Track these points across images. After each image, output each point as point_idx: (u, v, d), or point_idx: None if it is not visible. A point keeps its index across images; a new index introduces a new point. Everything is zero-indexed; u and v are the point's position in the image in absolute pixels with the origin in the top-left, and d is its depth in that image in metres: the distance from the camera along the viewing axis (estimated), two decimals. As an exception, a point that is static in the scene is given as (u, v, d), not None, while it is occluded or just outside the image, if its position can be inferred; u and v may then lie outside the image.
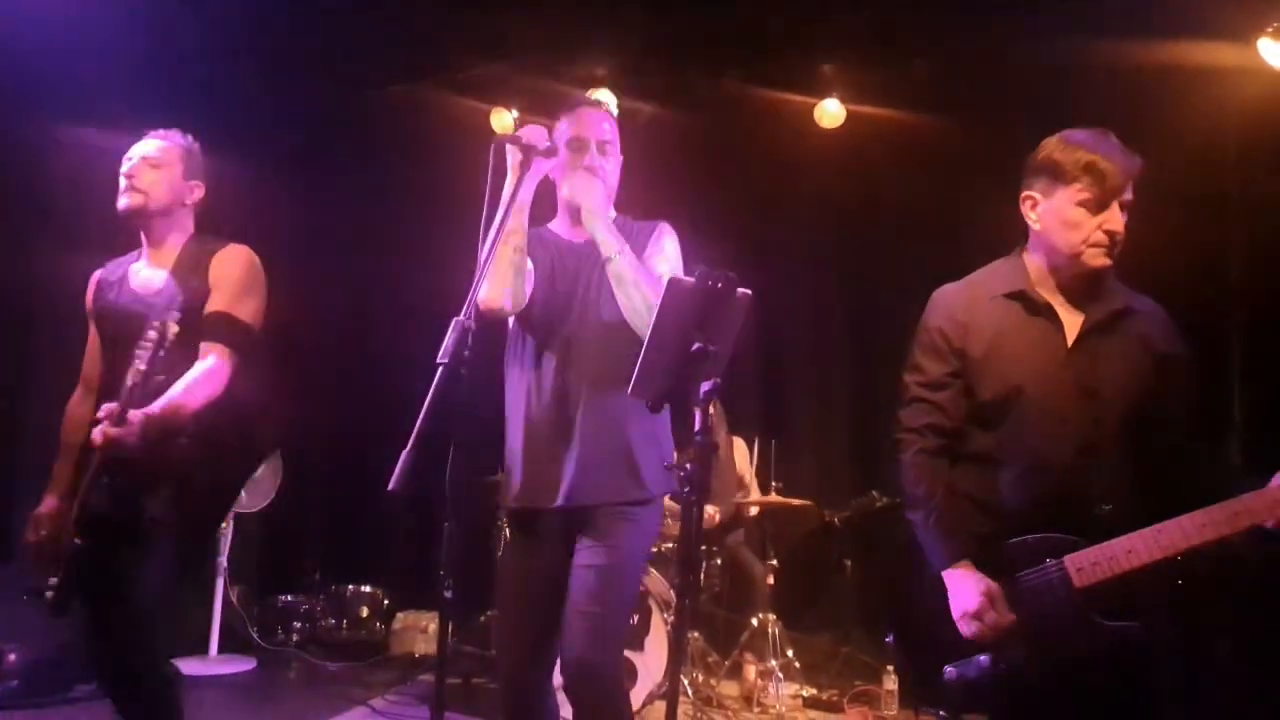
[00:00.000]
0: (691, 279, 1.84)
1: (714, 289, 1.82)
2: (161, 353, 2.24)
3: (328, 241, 5.72)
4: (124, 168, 2.58)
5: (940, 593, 2.01)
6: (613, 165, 2.36)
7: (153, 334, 2.22)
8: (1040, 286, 2.10)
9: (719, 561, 4.59)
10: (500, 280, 2.23)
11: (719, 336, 1.82)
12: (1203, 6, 3.94)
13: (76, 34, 3.83)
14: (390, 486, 1.75)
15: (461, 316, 1.96)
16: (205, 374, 2.41)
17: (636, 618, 3.74)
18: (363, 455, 5.72)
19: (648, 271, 2.21)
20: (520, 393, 2.32)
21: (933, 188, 5.07)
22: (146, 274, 2.57)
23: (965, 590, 1.97)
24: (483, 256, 2.09)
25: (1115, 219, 2.01)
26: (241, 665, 4.79)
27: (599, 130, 2.35)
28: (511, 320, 2.38)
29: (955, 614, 1.97)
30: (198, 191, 2.66)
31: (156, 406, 2.29)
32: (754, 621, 4.42)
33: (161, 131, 2.67)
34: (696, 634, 4.25)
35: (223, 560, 4.89)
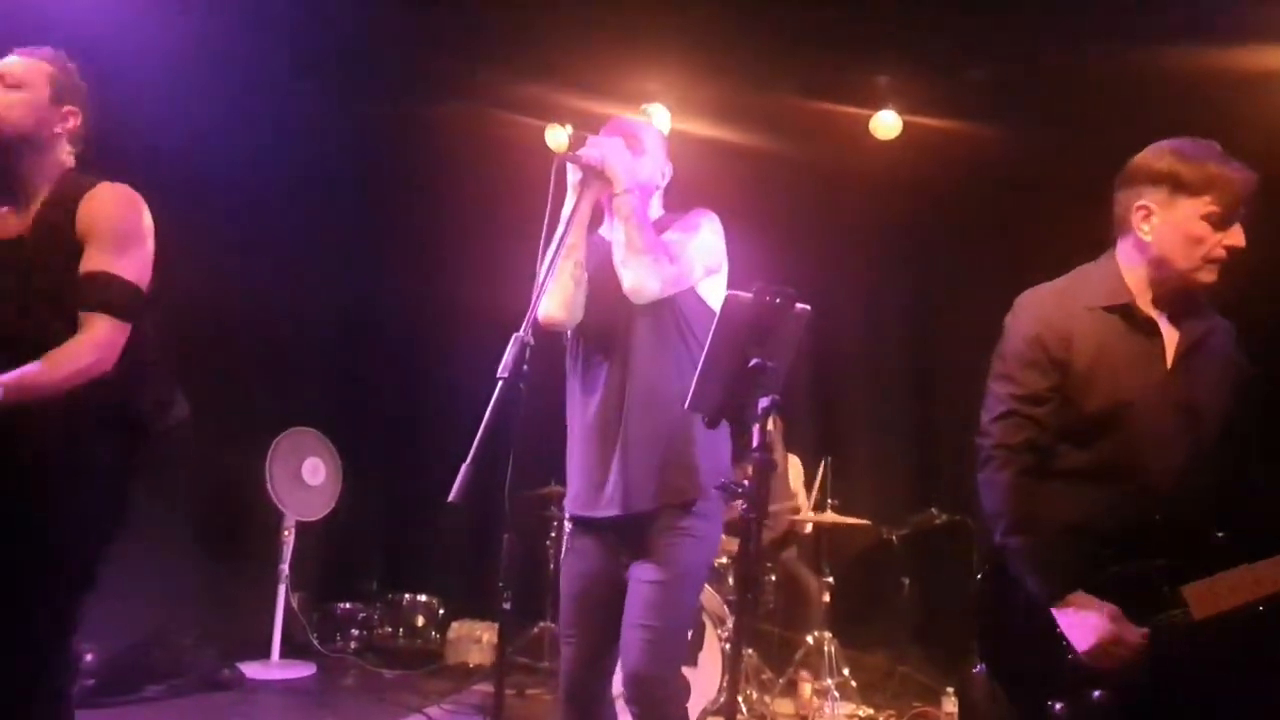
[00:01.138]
0: (749, 294, 1.84)
1: (771, 304, 1.82)
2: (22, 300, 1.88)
3: (389, 258, 5.82)
4: None
5: (1037, 621, 1.90)
6: (643, 159, 2.38)
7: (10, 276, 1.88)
8: (1140, 299, 2.00)
9: (774, 578, 4.56)
10: (559, 295, 2.27)
11: (777, 352, 1.81)
12: (1271, 12, 3.84)
13: (132, 50, 3.91)
14: (451, 498, 1.78)
15: (521, 332, 1.99)
16: (86, 346, 2.00)
17: (690, 633, 3.72)
18: (419, 465, 5.81)
19: (649, 225, 2.23)
20: (576, 401, 2.36)
21: (993, 199, 5.00)
22: (8, 218, 2.14)
23: (1091, 621, 1.84)
24: (543, 272, 2.13)
25: (1238, 235, 1.92)
26: (302, 670, 4.87)
27: (626, 129, 2.41)
28: (569, 332, 2.41)
29: (1083, 647, 1.84)
30: (72, 119, 2.18)
31: (13, 375, 1.89)
32: (809, 639, 4.38)
33: (28, 49, 2.19)
34: (751, 651, 4.22)
35: (284, 567, 4.99)
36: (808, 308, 1.86)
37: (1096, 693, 1.85)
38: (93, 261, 2.03)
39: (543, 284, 2.11)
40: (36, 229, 2.09)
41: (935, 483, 4.98)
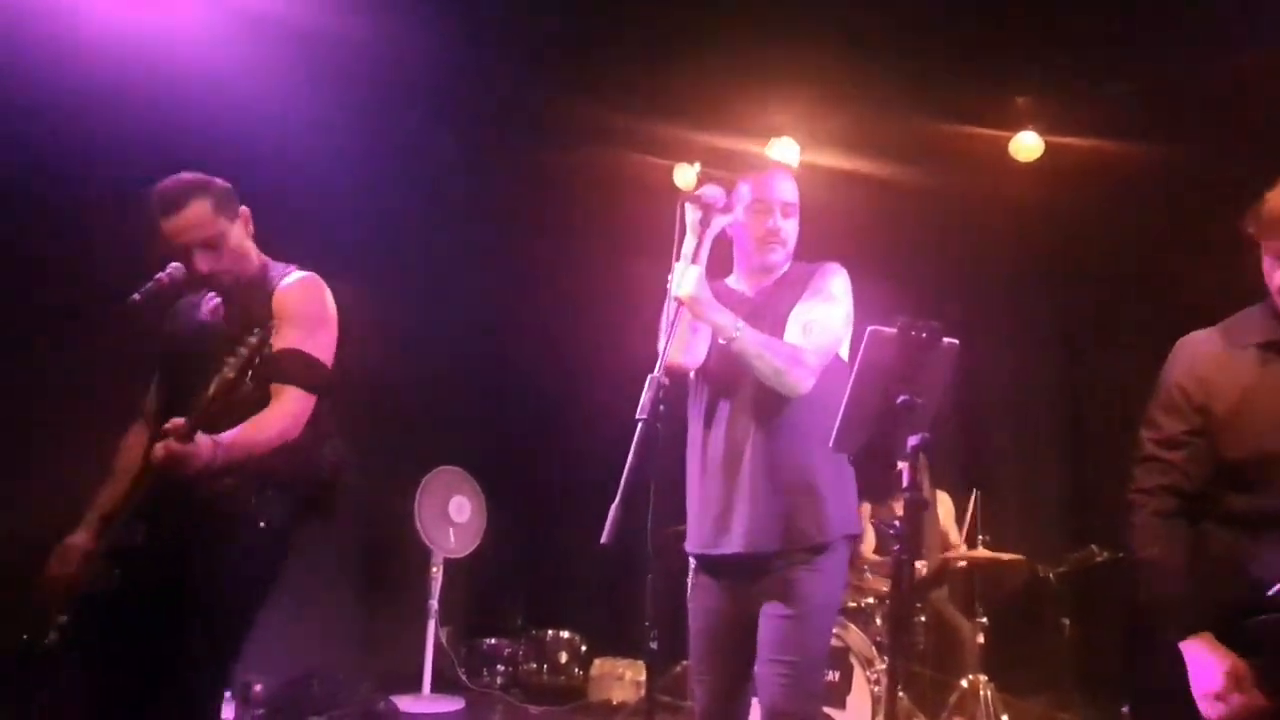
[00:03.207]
0: (892, 330, 1.80)
1: (917, 339, 1.77)
2: (246, 376, 2.04)
3: (525, 301, 6.00)
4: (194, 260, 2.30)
5: (1176, 666, 1.83)
6: (793, 227, 2.40)
7: (243, 350, 2.05)
8: None
9: (923, 618, 4.40)
10: (679, 338, 2.27)
11: (925, 388, 1.76)
12: None
13: (281, 107, 4.17)
14: (603, 540, 1.82)
15: (656, 373, 2.02)
16: (279, 414, 2.20)
17: (838, 675, 3.63)
18: (558, 503, 5.92)
19: (770, 341, 2.22)
20: (696, 443, 2.38)
21: (1145, 222, 4.74)
22: (214, 303, 2.39)
23: (1206, 667, 1.78)
24: (669, 315, 2.16)
25: None
26: (451, 705, 4.99)
27: (782, 192, 2.38)
28: (691, 373, 2.43)
29: (1196, 692, 1.78)
30: (239, 225, 2.33)
31: (227, 436, 2.08)
32: (963, 682, 4.20)
33: (172, 192, 2.27)
34: (902, 694, 4.07)
35: (434, 603, 5.14)
36: (955, 341, 1.81)
37: None
38: (285, 340, 2.22)
39: (673, 325, 2.14)
40: (238, 312, 2.30)
41: (1095, 519, 4.71)
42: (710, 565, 2.34)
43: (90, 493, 2.35)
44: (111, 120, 3.71)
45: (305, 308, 2.30)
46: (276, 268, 2.38)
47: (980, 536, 4.31)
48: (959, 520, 4.71)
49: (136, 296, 2.34)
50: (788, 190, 2.38)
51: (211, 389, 2.00)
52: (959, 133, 4.93)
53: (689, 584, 2.42)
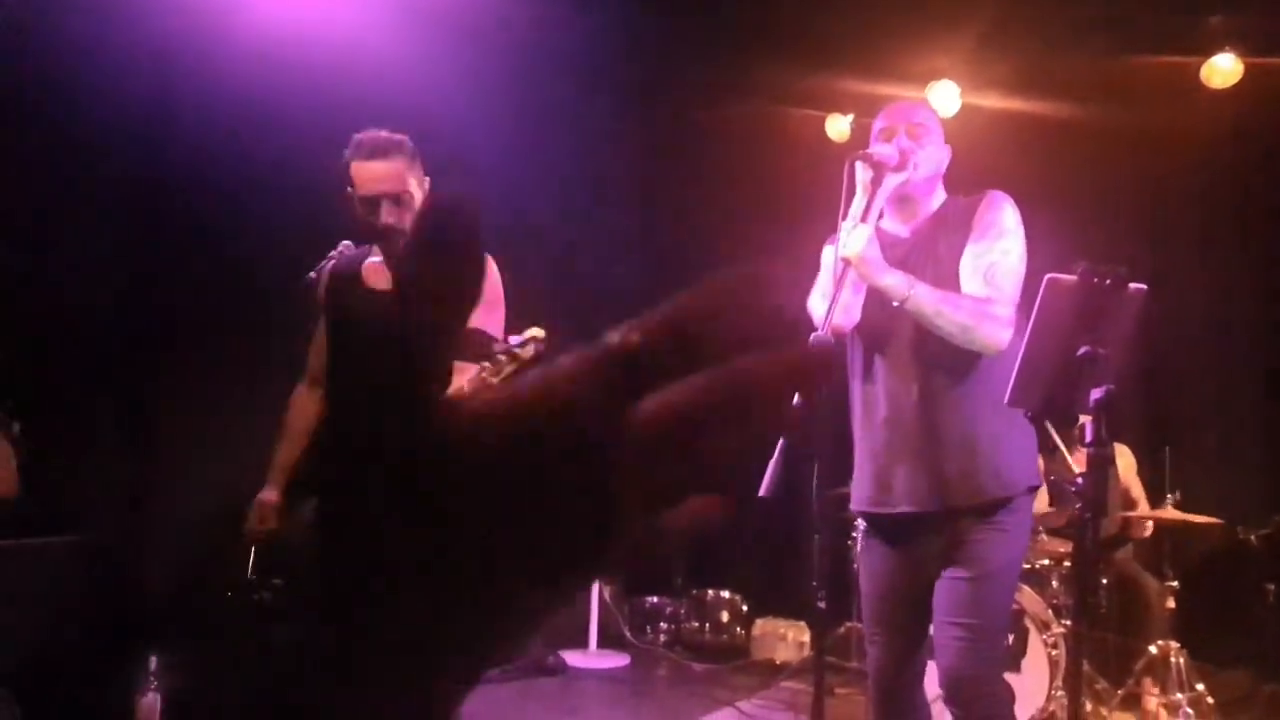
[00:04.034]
0: (1072, 277, 1.69)
1: (1100, 286, 1.66)
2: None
3: (675, 254, 6.00)
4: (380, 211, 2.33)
5: None
6: (928, 149, 2.23)
7: (502, 357, 2.04)
8: None
9: (1105, 580, 4.17)
10: (840, 299, 2.18)
11: (1109, 338, 1.65)
12: None
13: (432, 70, 4.25)
14: (762, 492, 1.82)
15: (821, 330, 1.97)
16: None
17: (1013, 638, 3.50)
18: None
19: (948, 296, 2.09)
20: (857, 400, 2.31)
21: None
22: (385, 276, 2.39)
23: None
24: (836, 273, 2.09)
25: None
26: (617, 660, 5.14)
27: (908, 115, 2.27)
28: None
29: None
30: (422, 190, 2.38)
31: None
32: (1152, 649, 3.95)
33: (378, 141, 2.33)
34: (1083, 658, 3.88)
35: (597, 561, 5.28)
36: (1143, 287, 1.69)
37: None
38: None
39: (839, 286, 2.07)
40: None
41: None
42: (878, 525, 2.29)
43: (267, 453, 2.46)
44: (278, 110, 3.94)
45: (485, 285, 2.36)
46: None
47: (1170, 495, 4.03)
48: (1144, 477, 4.43)
49: (312, 275, 2.48)
50: (916, 113, 2.29)
51: (467, 388, 2.05)
52: (1141, 62, 4.53)
53: (857, 545, 2.38)
